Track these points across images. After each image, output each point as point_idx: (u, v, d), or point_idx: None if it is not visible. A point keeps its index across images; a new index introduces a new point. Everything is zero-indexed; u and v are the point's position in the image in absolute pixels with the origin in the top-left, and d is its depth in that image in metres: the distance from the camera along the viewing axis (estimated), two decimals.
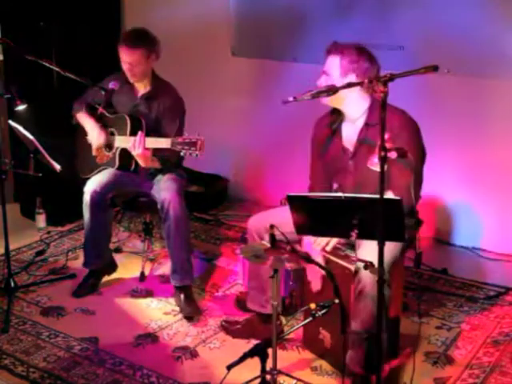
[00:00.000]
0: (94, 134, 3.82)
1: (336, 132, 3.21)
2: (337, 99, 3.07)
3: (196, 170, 5.00)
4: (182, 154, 3.32)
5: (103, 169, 3.82)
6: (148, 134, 3.61)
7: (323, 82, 3.08)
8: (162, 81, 3.86)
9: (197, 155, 3.29)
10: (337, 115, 3.22)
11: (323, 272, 2.94)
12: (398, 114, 3.05)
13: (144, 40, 3.70)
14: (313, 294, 3.18)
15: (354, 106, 3.13)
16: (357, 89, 3.01)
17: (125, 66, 3.72)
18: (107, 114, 3.83)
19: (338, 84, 2.89)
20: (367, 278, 2.82)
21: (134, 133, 3.62)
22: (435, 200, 4.37)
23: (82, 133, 3.92)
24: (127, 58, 3.67)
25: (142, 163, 3.64)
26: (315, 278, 3.18)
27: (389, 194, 2.92)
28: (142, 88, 3.82)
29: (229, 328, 3.47)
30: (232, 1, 4.90)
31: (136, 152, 3.53)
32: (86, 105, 3.92)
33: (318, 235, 3.04)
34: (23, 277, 4.03)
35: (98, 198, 3.69)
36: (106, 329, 3.50)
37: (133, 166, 3.75)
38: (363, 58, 3.06)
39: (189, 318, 3.60)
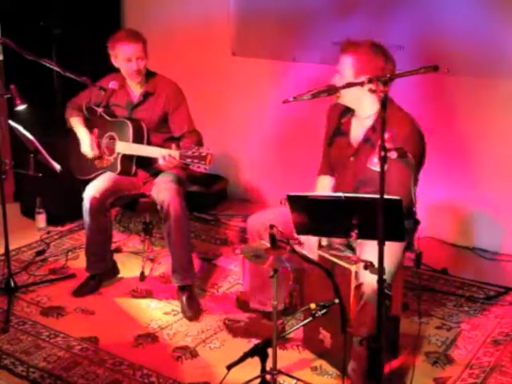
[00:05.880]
0: (86, 147, 3.83)
1: (345, 126, 3.16)
2: (350, 98, 3.03)
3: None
4: (190, 166, 3.29)
5: (102, 172, 3.83)
6: (151, 134, 3.68)
7: (337, 81, 2.99)
8: (154, 73, 3.84)
9: (205, 169, 3.25)
10: (348, 108, 3.15)
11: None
12: (404, 125, 2.93)
13: (141, 35, 3.72)
14: (313, 294, 3.18)
15: (367, 107, 3.05)
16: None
17: (129, 65, 3.68)
18: (107, 117, 3.82)
19: None
20: (370, 285, 2.75)
21: (136, 139, 3.65)
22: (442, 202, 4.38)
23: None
24: (133, 51, 3.65)
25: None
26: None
27: None
28: (138, 87, 3.81)
29: (232, 326, 3.47)
30: (232, 1, 4.90)
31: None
32: (85, 107, 3.92)
33: (317, 235, 3.03)
34: (23, 277, 4.03)
35: (98, 204, 3.68)
36: (105, 329, 3.50)
37: (133, 171, 3.76)
38: (379, 57, 2.94)
39: (189, 319, 3.60)
